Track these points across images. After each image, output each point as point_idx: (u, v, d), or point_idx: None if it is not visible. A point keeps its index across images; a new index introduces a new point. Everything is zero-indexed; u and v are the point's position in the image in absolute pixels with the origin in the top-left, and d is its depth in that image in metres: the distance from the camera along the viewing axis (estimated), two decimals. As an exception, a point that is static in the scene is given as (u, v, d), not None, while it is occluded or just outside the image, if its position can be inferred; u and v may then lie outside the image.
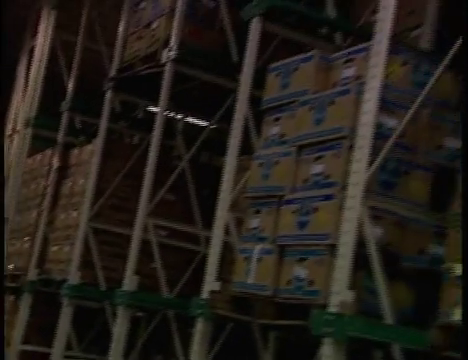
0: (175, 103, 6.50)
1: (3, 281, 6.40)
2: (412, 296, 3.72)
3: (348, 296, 3.38)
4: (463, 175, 2.49)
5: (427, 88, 3.71)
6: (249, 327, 4.83)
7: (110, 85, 6.84)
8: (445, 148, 3.89)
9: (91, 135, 7.59)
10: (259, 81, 4.79)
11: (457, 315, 3.09)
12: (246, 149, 4.94)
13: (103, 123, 6.83)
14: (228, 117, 5.19)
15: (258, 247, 4.28)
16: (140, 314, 6.88)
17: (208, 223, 5.35)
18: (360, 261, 3.46)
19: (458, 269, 3.16)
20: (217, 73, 5.86)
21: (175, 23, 5.77)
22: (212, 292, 4.58)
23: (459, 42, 3.65)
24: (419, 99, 3.68)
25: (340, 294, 3.40)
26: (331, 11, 5.18)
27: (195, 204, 6.48)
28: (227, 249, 4.89)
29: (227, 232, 4.86)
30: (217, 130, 6.90)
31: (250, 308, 4.30)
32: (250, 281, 4.26)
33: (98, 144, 6.81)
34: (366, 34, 3.93)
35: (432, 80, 3.72)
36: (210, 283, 4.65)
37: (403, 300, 3.66)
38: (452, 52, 3.68)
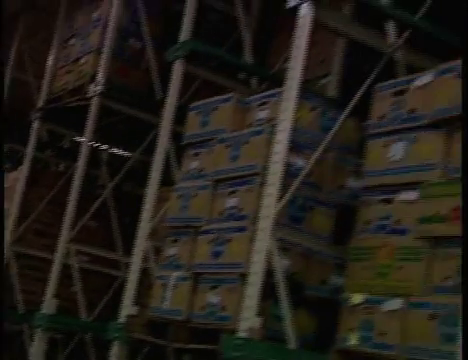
0: (101, 134, 6.47)
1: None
2: (314, 323, 3.81)
3: (256, 322, 3.42)
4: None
5: (332, 132, 3.87)
6: (164, 350, 4.81)
7: (37, 115, 6.76)
8: (347, 188, 4.03)
9: (17, 162, 7.43)
10: (181, 118, 4.85)
11: (353, 340, 3.21)
12: (167, 180, 4.97)
13: (29, 151, 6.73)
14: (151, 150, 5.21)
15: (174, 274, 4.30)
16: (58, 336, 6.71)
17: (129, 249, 5.33)
18: (268, 289, 3.53)
19: (355, 298, 3.29)
20: (141, 109, 5.89)
21: (102, 61, 5.79)
22: (129, 316, 4.55)
23: (361, 91, 3.85)
24: (325, 142, 3.82)
25: (249, 320, 3.45)
26: (248, 58, 5.33)
27: (117, 231, 6.43)
28: (146, 275, 4.88)
29: (146, 259, 4.85)
30: (140, 161, 6.89)
31: (165, 332, 4.30)
32: (166, 306, 4.27)
33: (23, 171, 6.68)
34: (279, 80, 4.04)
35: (337, 125, 3.89)
36: (127, 307, 4.62)
37: (306, 326, 3.74)
38: (355, 100, 3.87)
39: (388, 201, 3.41)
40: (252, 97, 4.39)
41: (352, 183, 3.99)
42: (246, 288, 3.55)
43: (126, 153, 7.70)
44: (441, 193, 3.13)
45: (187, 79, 5.10)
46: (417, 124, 3.36)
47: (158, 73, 5.78)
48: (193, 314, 4.09)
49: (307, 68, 3.70)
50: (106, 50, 5.80)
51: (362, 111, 3.79)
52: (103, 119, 5.94)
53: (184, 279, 4.22)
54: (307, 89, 3.94)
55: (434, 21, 3.88)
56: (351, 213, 3.67)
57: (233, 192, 4.11)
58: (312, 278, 3.84)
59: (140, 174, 6.47)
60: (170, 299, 4.25)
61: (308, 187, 3.90)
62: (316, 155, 3.79)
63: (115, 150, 7.79)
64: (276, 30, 5.55)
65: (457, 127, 3.20)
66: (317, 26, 3.67)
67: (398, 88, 3.51)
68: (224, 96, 4.51)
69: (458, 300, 2.62)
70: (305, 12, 3.62)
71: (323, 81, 4.74)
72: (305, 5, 3.60)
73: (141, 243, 4.84)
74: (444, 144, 3.23)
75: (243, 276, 3.73)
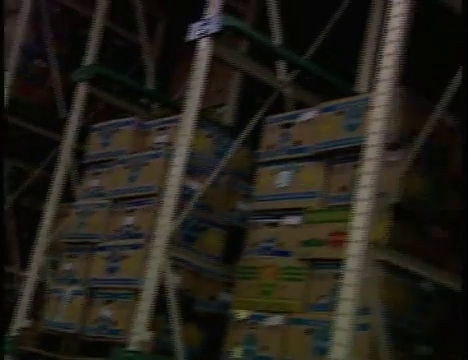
0: (3, 148, 6.24)
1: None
2: (202, 337, 3.84)
3: (147, 336, 3.42)
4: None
5: (225, 158, 3.95)
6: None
7: None
8: (237, 210, 4.11)
9: None
10: (83, 137, 4.79)
11: (237, 354, 3.27)
12: (68, 197, 4.87)
13: None
14: (53, 166, 5.10)
15: (70, 288, 4.22)
16: None
17: (26, 264, 5.15)
18: (160, 305, 3.53)
19: (241, 314, 3.36)
20: (45, 126, 5.77)
21: (6, 79, 5.63)
22: (21, 329, 4.40)
23: (254, 122, 3.97)
24: (219, 167, 3.90)
25: (140, 334, 3.44)
26: (151, 84, 5.34)
27: (14, 245, 6.20)
28: (42, 289, 4.74)
29: (43, 273, 4.71)
30: (41, 177, 6.70)
31: (58, 345, 4.19)
32: (59, 319, 4.18)
33: None
34: (179, 107, 4.09)
35: (230, 152, 3.97)
36: (20, 320, 4.47)
37: (195, 340, 3.77)
38: (247, 130, 3.98)
39: (274, 225, 3.51)
40: (152, 121, 4.41)
41: (242, 206, 4.08)
42: (139, 303, 3.54)
43: (29, 168, 7.46)
44: (320, 219, 3.27)
45: (91, 100, 5.05)
46: (301, 155, 3.49)
47: (63, 92, 5.69)
48: (85, 327, 4.02)
49: (205, 97, 3.77)
50: (9, 68, 5.66)
51: (254, 140, 3.90)
52: (7, 133, 5.76)
53: (79, 293, 4.14)
54: (204, 117, 4.01)
55: (320, 63, 4.07)
56: (241, 234, 3.75)
57: (130, 211, 4.10)
58: (202, 294, 3.87)
59: (40, 189, 6.30)
60: (64, 312, 4.17)
61: (201, 209, 3.95)
62: (210, 179, 3.86)
63: (17, 164, 7.52)
64: (178, 59, 5.61)
65: (336, 160, 3.37)
66: (215, 59, 3.76)
67: (286, 121, 3.65)
68: (125, 119, 4.51)
69: (330, 317, 2.74)
70: (204, 46, 3.70)
71: (219, 110, 4.82)
72: (204, 40, 3.68)
73: (38, 257, 4.71)
74: (324, 174, 3.38)
75: (136, 292, 3.71)
